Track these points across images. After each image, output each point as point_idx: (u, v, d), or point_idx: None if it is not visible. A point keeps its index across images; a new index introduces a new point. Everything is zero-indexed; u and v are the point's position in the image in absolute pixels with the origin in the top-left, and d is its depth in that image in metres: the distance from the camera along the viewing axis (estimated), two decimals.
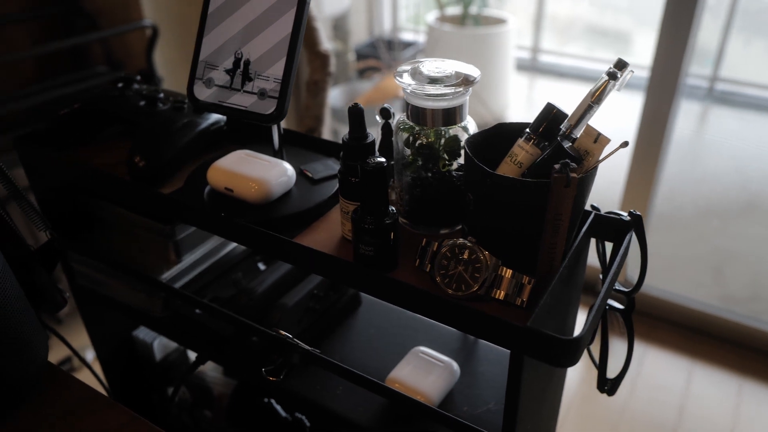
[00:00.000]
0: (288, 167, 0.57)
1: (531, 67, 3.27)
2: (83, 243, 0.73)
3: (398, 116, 0.53)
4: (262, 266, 0.74)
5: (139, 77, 0.70)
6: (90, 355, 1.31)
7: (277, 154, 0.61)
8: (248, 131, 0.70)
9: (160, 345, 0.86)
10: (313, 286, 0.65)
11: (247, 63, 0.54)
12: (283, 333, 0.57)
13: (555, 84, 3.20)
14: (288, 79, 0.53)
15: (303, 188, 0.59)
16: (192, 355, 0.88)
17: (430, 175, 0.53)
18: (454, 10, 2.72)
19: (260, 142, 0.69)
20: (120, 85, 0.69)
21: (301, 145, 0.67)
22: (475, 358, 0.65)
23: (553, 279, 0.46)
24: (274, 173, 0.56)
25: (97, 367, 0.90)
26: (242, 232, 0.54)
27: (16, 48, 1.67)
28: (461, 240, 0.48)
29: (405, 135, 0.53)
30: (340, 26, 2.54)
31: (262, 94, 0.54)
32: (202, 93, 0.56)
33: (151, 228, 0.69)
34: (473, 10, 2.64)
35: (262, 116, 0.54)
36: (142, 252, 0.72)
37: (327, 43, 1.10)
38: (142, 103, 0.64)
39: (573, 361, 0.41)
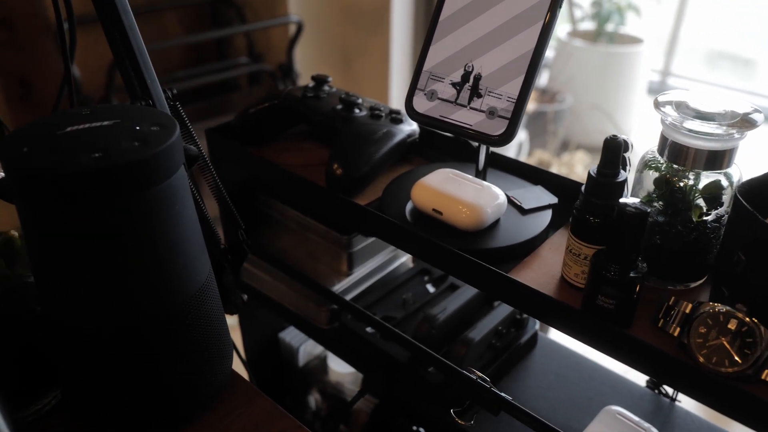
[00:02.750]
0: (500, 193, 0.52)
1: (658, 90, 3.08)
2: (253, 241, 0.72)
3: (649, 151, 0.47)
4: (431, 288, 0.70)
5: (331, 78, 0.67)
6: None
7: (480, 175, 0.57)
8: (437, 145, 0.66)
9: (305, 351, 0.83)
10: (498, 322, 0.60)
11: (478, 78, 0.50)
12: (479, 374, 0.52)
13: None
14: (523, 100, 0.48)
15: (512, 218, 0.53)
16: (334, 365, 0.85)
17: (670, 220, 0.46)
18: (587, 26, 2.59)
19: (446, 159, 0.65)
20: (311, 85, 0.67)
21: (496, 166, 0.62)
22: (672, 426, 0.58)
23: None
24: (487, 199, 0.51)
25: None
26: (451, 260, 0.49)
27: (168, 34, 1.74)
28: (726, 307, 0.41)
29: (654, 174, 0.46)
30: None
31: (491, 112, 0.49)
32: (423, 105, 0.52)
33: (327, 236, 0.66)
34: (609, 27, 2.51)
35: (489, 137, 0.50)
36: (312, 259, 0.69)
37: None
38: (339, 107, 0.62)
39: None
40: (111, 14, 0.50)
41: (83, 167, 0.36)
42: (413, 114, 0.53)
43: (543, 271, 0.49)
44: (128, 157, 0.38)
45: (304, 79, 1.79)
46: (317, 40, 1.82)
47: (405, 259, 0.74)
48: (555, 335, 0.68)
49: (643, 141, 2.57)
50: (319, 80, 0.67)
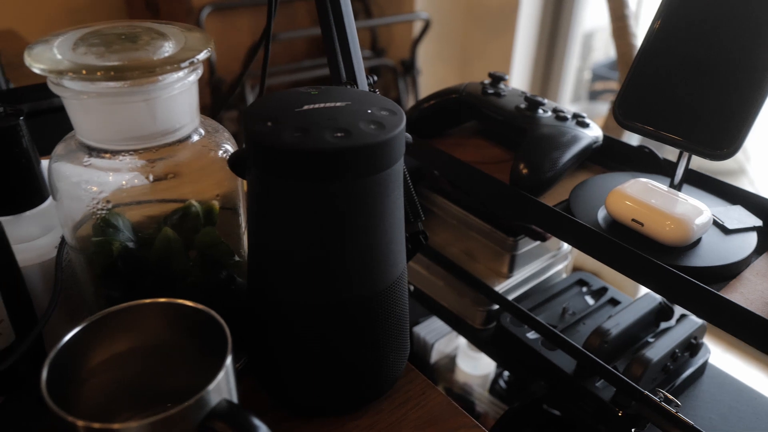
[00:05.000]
0: (705, 209, 0.50)
1: None
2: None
3: None
4: (590, 300, 0.67)
5: (507, 77, 0.66)
6: None
7: (676, 188, 0.54)
8: (614, 152, 0.64)
9: (438, 349, 0.83)
10: (677, 344, 0.57)
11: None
12: (668, 396, 0.49)
13: None
14: (750, 115, 0.45)
15: (715, 237, 0.50)
16: (463, 366, 0.84)
17: None
18: None
19: (622, 167, 0.62)
20: (488, 82, 0.66)
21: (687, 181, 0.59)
22: None
23: None
24: (693, 214, 0.49)
25: None
26: (654, 274, 0.47)
27: (296, 24, 1.79)
28: None
29: None
30: (584, 42, 2.42)
31: None
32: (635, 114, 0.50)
33: (491, 236, 0.65)
34: None
35: (711, 151, 0.47)
36: (469, 257, 0.69)
37: None
38: (523, 105, 0.61)
39: None
40: None
41: (332, 145, 0.37)
42: (624, 121, 0.51)
43: (754, 297, 0.46)
44: (370, 138, 0.38)
45: (425, 76, 1.79)
46: (438, 37, 1.82)
47: (561, 267, 0.72)
48: (724, 366, 0.64)
49: None
50: (496, 78, 0.66)
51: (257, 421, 0.35)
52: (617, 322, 0.58)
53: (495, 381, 0.84)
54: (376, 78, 0.54)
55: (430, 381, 0.52)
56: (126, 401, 0.43)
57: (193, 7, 1.61)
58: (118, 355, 0.41)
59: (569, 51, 1.85)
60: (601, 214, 0.53)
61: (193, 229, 0.49)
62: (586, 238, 0.51)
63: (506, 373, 0.84)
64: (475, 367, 0.85)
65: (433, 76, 1.86)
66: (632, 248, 0.47)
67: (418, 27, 1.70)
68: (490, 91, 0.64)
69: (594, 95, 2.49)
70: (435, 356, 0.84)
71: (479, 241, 0.67)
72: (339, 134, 0.38)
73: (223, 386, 0.36)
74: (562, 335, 0.57)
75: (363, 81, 0.53)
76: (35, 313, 0.41)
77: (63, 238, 0.46)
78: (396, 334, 0.47)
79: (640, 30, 1.23)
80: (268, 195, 0.40)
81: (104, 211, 0.42)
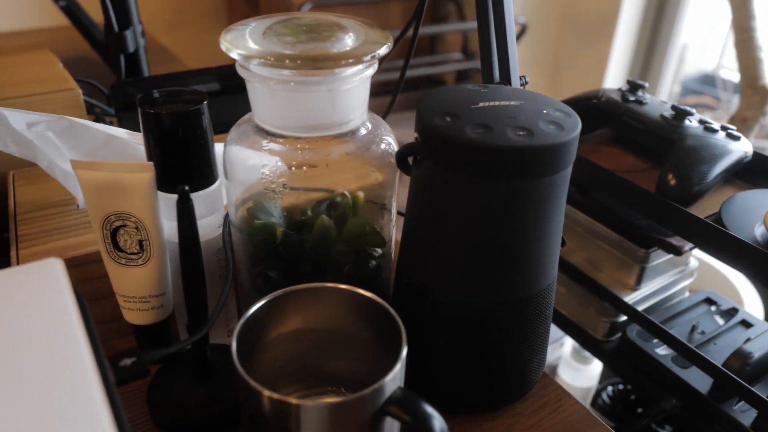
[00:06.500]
0: None
1: None
2: None
3: None
4: (719, 320, 0.65)
5: (647, 85, 0.65)
6: None
7: None
8: (759, 170, 0.61)
9: None
10: None
11: None
12: None
13: None
14: None
15: None
16: (565, 376, 0.83)
17: None
18: None
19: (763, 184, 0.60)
20: (626, 89, 0.65)
21: None
22: None
23: None
24: None
25: None
26: None
27: (390, 24, 1.81)
28: None
29: None
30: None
31: None
32: None
33: (621, 246, 0.64)
34: None
35: None
36: (592, 267, 0.67)
37: None
38: (669, 114, 0.59)
39: None
40: None
41: (518, 143, 0.37)
42: None
43: None
44: (552, 138, 0.38)
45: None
46: (530, 42, 1.79)
47: (686, 284, 0.69)
48: None
49: None
50: (635, 85, 0.65)
51: (431, 409, 0.36)
52: (760, 345, 0.56)
53: (598, 394, 0.82)
54: (528, 79, 0.54)
55: (565, 389, 0.52)
56: (286, 379, 0.44)
57: (293, 4, 1.64)
58: (287, 333, 0.42)
59: (666, 63, 1.79)
60: (759, 230, 0.51)
61: (341, 218, 0.50)
62: (743, 254, 0.49)
63: (610, 388, 0.82)
64: (577, 378, 0.83)
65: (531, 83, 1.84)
66: None
67: None
68: (631, 98, 0.62)
69: None
70: None
71: (606, 251, 0.65)
72: (521, 133, 0.38)
73: (398, 376, 0.37)
74: (700, 353, 0.55)
75: (517, 81, 0.53)
76: (206, 290, 0.43)
77: (227, 220, 0.48)
78: (542, 338, 0.47)
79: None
80: (442, 190, 0.41)
81: (280, 196, 0.44)
